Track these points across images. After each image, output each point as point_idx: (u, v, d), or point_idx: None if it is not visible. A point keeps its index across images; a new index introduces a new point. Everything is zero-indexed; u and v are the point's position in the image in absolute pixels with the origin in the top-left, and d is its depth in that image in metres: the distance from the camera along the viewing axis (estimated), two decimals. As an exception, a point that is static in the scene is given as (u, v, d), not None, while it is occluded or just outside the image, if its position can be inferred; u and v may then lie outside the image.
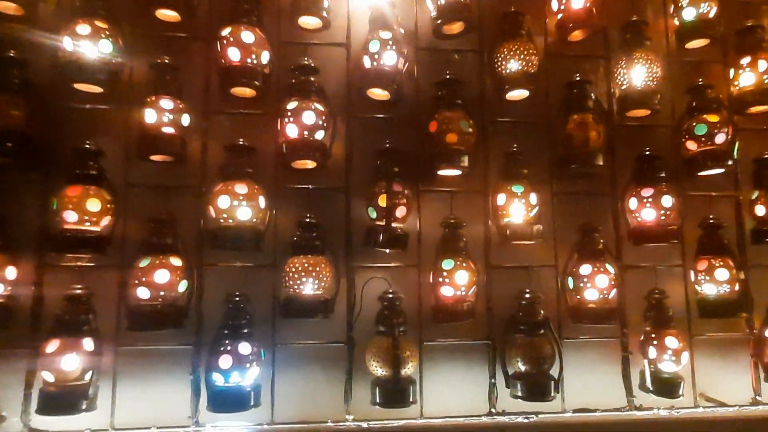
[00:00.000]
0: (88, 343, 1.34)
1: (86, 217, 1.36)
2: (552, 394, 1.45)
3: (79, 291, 1.35)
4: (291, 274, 1.41)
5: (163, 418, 1.41)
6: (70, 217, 1.35)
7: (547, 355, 1.47)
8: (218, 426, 1.40)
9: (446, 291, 1.47)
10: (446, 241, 1.51)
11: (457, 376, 1.55)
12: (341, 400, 1.45)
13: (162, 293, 1.36)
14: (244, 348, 1.37)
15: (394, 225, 1.46)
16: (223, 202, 1.40)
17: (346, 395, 1.45)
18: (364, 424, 1.44)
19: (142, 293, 1.36)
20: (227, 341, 1.37)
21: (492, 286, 1.54)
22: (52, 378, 1.32)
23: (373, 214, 1.49)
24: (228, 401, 1.35)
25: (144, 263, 1.37)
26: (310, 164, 1.49)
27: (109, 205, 1.40)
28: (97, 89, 1.42)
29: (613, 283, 1.50)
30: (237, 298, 1.40)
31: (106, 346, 1.37)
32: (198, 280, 1.44)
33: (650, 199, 1.53)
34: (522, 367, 1.47)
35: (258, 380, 1.40)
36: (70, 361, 1.30)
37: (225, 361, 1.35)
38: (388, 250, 1.51)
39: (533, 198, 1.53)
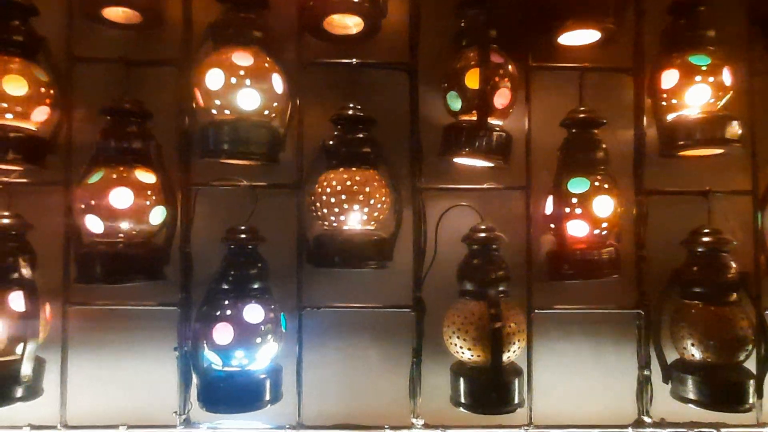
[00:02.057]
0: (16, 301, 0.88)
1: (6, 107, 0.87)
2: (749, 401, 0.89)
3: (4, 221, 0.89)
4: (325, 199, 0.89)
5: (136, 412, 0.95)
6: (-21, 104, 0.87)
7: (741, 337, 0.90)
8: (219, 427, 0.94)
9: (574, 229, 0.91)
10: (574, 149, 0.93)
11: (585, 363, 1.00)
12: (404, 395, 0.94)
13: (125, 225, 0.87)
14: (254, 313, 0.87)
15: (490, 121, 0.90)
16: (215, 80, 0.87)
17: (413, 388, 0.94)
18: (440, 433, 0.94)
19: (95, 225, 0.87)
20: (227, 302, 0.87)
21: (647, 224, 0.96)
22: (-36, 352, 0.88)
23: (456, 104, 0.92)
24: (229, 395, 0.86)
25: (95, 178, 0.87)
26: (354, 23, 0.93)
27: (44, 89, 0.90)
28: None
29: None
30: (242, 236, 0.89)
31: (48, 306, 0.91)
32: (183, 207, 0.94)
33: None
34: (696, 353, 0.90)
35: (277, 363, 0.91)
36: (-13, 327, 0.86)
37: (223, 332, 0.86)
38: (480, 162, 0.95)
39: (726, 77, 0.92)
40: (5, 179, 0.92)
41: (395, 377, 0.96)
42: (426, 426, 0.93)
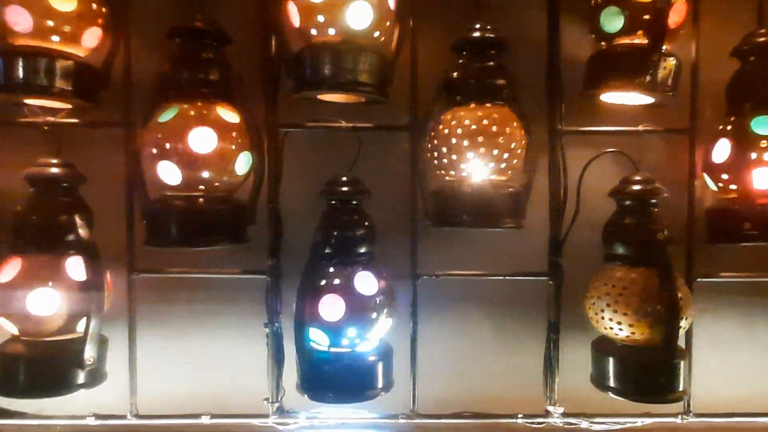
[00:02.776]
0: (75, 268, 0.72)
1: (52, 26, 0.69)
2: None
3: (53, 170, 0.72)
4: (454, 143, 0.71)
5: (219, 400, 0.80)
6: (19, 18, 0.68)
7: None
8: (319, 417, 0.80)
9: (761, 179, 0.74)
10: (756, 81, 0.75)
11: (751, 341, 0.84)
12: (538, 379, 0.80)
13: (206, 175, 0.71)
14: (367, 282, 0.72)
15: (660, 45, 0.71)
16: (316, -10, 0.69)
17: (549, 370, 0.79)
18: (584, 424, 0.80)
19: (171, 175, 0.71)
20: (332, 270, 0.72)
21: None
22: (15, 329, 0.73)
23: (614, 23, 0.72)
24: (337, 381, 0.71)
25: (168, 116, 0.70)
26: None
27: (95, 5, 0.72)
28: None
29: None
30: (345, 188, 0.73)
31: (111, 274, 0.75)
32: (271, 153, 0.77)
33: None
34: None
35: (386, 343, 0.76)
36: (42, 299, 0.70)
37: (332, 306, 0.70)
38: (641, 98, 0.75)
39: None
40: (51, 119, 0.75)
41: (527, 357, 0.81)
42: (566, 415, 0.78)
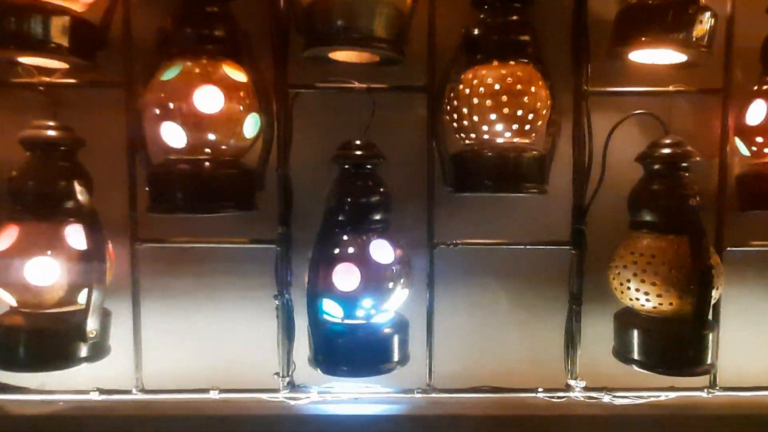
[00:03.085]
0: (75, 236, 0.68)
1: (45, -24, 0.64)
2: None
3: (49, 133, 0.68)
4: (476, 103, 0.66)
5: (227, 374, 0.76)
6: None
7: None
8: (331, 391, 0.77)
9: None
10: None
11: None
12: (558, 351, 0.77)
13: (213, 137, 0.67)
14: (383, 250, 0.68)
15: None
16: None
17: (570, 342, 0.76)
18: (606, 398, 0.77)
19: (175, 136, 0.66)
20: (346, 237, 0.68)
21: None
22: (13, 301, 0.69)
23: None
24: (352, 354, 0.68)
25: (172, 74, 0.65)
26: None
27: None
28: None
29: None
30: (360, 152, 0.69)
31: (113, 244, 0.71)
32: (280, 115, 0.72)
33: None
34: None
35: (401, 314, 0.73)
36: (41, 269, 0.67)
37: (347, 275, 0.67)
38: (673, 55, 0.70)
39: None
40: (47, 80, 0.70)
41: (547, 330, 0.78)
42: (587, 389, 0.76)
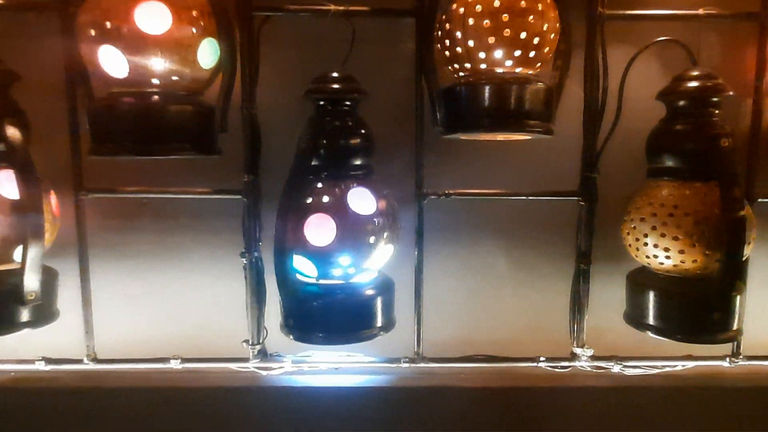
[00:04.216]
0: (5, 184, 0.59)
1: None
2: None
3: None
4: (471, 25, 0.55)
5: (190, 342, 0.68)
6: None
7: None
8: (307, 360, 0.69)
9: None
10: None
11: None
12: (562, 318, 0.68)
13: (160, 66, 0.56)
14: (362, 200, 0.59)
15: None
16: None
17: (576, 306, 0.67)
18: (616, 368, 0.69)
19: (115, 63, 0.55)
20: (321, 185, 0.59)
21: None
22: (-64, 259, 0.61)
23: None
24: (328, 319, 0.59)
25: (109, -11, 0.56)
26: None
27: None
28: None
29: None
30: (337, 86, 0.58)
31: (53, 195, 0.62)
32: (244, 44, 0.62)
33: None
34: None
35: (385, 275, 0.65)
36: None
37: (321, 228, 0.58)
38: None
39: None
40: (-34, -1, 0.60)
41: (551, 292, 0.70)
42: (595, 357, 0.68)
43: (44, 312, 0.62)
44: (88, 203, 0.65)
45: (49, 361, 0.66)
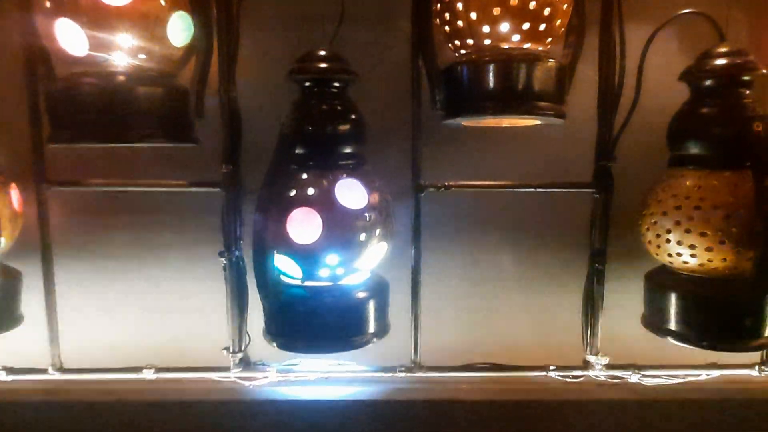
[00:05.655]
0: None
1: None
2: None
3: None
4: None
5: (166, 350, 0.63)
6: None
7: None
8: (293, 370, 0.62)
9: None
10: None
11: None
12: (574, 323, 0.62)
13: (126, 42, 0.50)
14: (352, 192, 0.53)
15: None
16: None
17: (589, 309, 0.61)
18: (633, 378, 0.63)
19: (74, 41, 0.49)
20: (304, 176, 0.53)
21: None
22: None
23: None
24: (314, 325, 0.53)
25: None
26: None
27: None
28: None
29: None
30: (325, 65, 0.52)
31: (15, 187, 0.56)
32: (222, 20, 0.56)
33: None
34: None
35: (379, 276, 0.58)
36: None
37: (305, 224, 0.52)
38: None
39: None
40: None
41: (561, 295, 0.64)
42: (610, 366, 0.62)
43: (5, 317, 0.57)
44: (51, 197, 0.59)
45: (10, 371, 0.60)
